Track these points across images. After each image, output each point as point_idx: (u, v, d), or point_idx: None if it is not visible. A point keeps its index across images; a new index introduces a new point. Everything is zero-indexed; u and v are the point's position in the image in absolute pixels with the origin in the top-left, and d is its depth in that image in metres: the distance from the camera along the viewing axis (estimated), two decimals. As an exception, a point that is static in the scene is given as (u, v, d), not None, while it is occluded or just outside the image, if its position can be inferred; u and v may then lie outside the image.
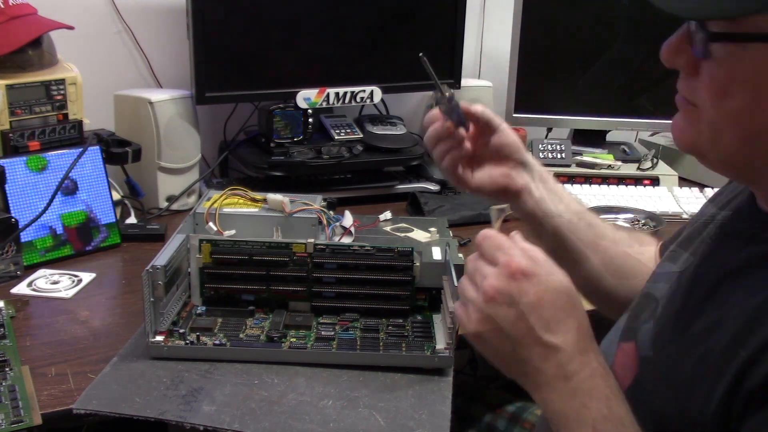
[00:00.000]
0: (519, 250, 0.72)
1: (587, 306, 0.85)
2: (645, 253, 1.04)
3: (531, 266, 0.70)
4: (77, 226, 1.41)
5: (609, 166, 1.90)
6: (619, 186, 1.86)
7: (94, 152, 1.44)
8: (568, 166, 1.92)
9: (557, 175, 1.90)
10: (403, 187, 1.82)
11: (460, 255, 1.23)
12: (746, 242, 0.70)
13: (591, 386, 0.70)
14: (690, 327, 0.71)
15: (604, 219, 1.07)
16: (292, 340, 1.09)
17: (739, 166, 0.68)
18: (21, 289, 1.26)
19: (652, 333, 0.77)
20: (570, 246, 1.01)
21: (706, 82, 0.65)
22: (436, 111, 1.00)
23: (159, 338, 1.06)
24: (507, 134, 1.00)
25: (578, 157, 1.94)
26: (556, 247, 1.00)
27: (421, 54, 0.95)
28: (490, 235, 0.74)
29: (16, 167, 1.34)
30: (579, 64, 1.97)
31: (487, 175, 1.01)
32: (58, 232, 1.38)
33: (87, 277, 1.32)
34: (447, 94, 0.96)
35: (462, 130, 0.98)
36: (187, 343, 1.06)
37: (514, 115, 1.97)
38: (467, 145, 1.00)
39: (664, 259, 0.89)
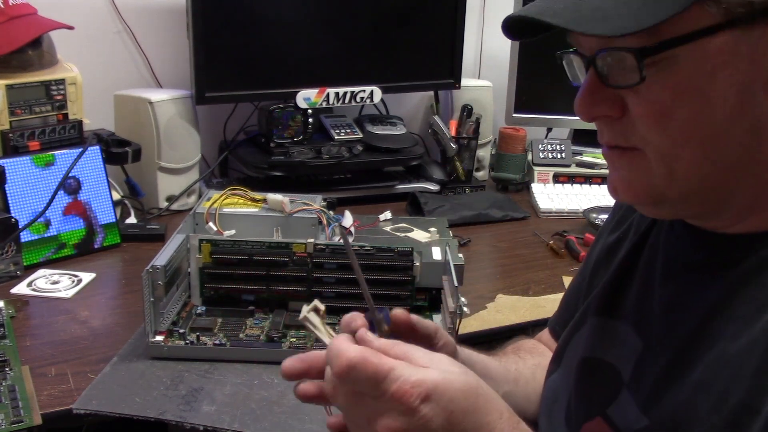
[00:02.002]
0: (401, 368, 0.56)
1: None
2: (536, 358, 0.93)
3: (424, 383, 0.55)
4: (77, 226, 1.41)
5: (609, 166, 1.90)
6: (619, 186, 1.85)
7: (94, 152, 1.44)
8: (568, 166, 1.92)
9: (557, 176, 1.93)
10: (403, 187, 1.82)
11: (460, 255, 1.23)
12: (716, 271, 0.63)
13: None
14: (690, 375, 0.62)
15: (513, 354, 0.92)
16: (292, 340, 1.09)
17: (706, 189, 0.60)
18: (21, 289, 1.26)
19: (635, 401, 0.67)
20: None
21: (643, 112, 0.58)
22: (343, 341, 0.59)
23: (159, 338, 1.06)
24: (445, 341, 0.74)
25: (578, 157, 1.94)
26: None
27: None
28: (355, 363, 0.55)
29: (20, 165, 1.34)
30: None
31: None
32: (58, 232, 1.38)
33: (87, 277, 1.32)
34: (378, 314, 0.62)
35: None
36: (187, 343, 1.06)
37: (514, 115, 1.97)
38: None
39: (589, 319, 0.77)
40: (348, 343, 0.58)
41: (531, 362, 0.91)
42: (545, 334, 0.97)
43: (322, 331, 0.63)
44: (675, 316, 0.66)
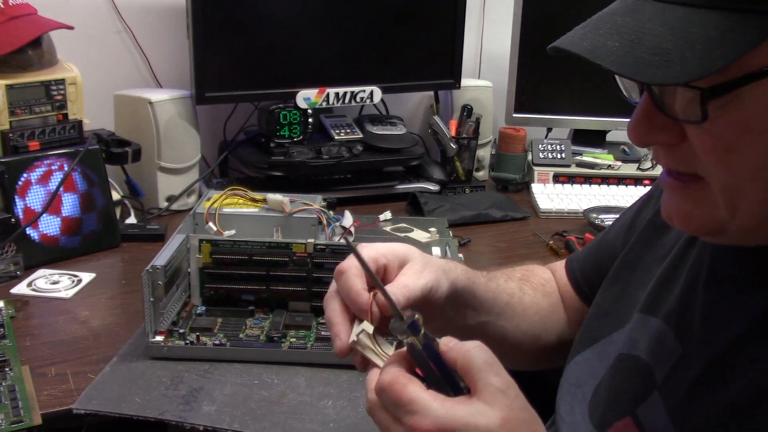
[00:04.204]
0: (423, 402, 0.57)
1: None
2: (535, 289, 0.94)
3: (444, 423, 0.56)
4: (77, 226, 1.41)
5: (609, 166, 1.90)
6: (619, 186, 1.86)
7: (94, 152, 1.44)
8: (568, 166, 1.91)
9: (557, 176, 1.93)
10: (403, 187, 1.82)
11: (460, 255, 1.23)
12: (762, 288, 0.62)
13: None
14: (724, 393, 0.61)
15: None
16: (292, 340, 1.09)
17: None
18: (21, 289, 1.26)
19: (665, 405, 0.65)
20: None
21: (705, 146, 0.56)
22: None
23: (159, 338, 1.06)
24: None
25: (578, 157, 1.94)
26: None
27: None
28: (384, 386, 0.59)
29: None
30: (579, 64, 1.96)
31: None
32: (58, 232, 1.38)
33: (87, 277, 1.32)
34: (406, 317, 0.60)
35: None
36: (187, 343, 1.06)
37: (514, 115, 1.97)
38: None
39: (635, 316, 0.76)
40: (390, 365, 0.60)
41: (529, 299, 0.90)
42: (560, 269, 0.96)
43: (374, 353, 0.64)
44: (714, 325, 0.64)
